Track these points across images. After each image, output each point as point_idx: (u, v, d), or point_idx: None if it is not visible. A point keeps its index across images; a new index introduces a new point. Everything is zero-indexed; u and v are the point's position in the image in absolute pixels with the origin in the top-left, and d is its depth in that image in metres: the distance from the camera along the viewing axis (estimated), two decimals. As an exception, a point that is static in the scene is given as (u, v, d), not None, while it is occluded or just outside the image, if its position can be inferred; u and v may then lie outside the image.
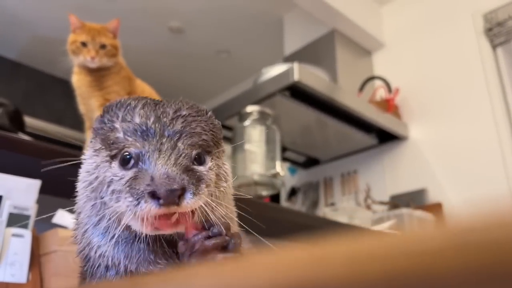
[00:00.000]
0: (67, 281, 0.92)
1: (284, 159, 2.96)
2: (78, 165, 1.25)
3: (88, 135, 1.44)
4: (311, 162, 3.14)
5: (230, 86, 4.06)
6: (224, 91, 4.13)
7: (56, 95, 3.57)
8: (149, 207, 0.38)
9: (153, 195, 0.38)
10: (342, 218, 2.12)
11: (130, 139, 0.43)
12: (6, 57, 3.57)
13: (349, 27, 2.94)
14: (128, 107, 0.46)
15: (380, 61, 3.10)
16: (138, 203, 0.39)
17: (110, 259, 0.44)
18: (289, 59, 3.10)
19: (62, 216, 1.10)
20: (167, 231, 0.41)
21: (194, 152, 0.44)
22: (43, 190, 1.10)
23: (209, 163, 0.45)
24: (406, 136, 2.78)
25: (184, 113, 0.45)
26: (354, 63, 3.01)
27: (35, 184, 1.06)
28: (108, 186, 0.43)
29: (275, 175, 1.90)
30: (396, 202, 2.47)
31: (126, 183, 0.41)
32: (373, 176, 2.84)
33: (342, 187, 2.95)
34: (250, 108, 2.05)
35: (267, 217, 1.69)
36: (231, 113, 2.36)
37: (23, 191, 1.03)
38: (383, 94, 2.88)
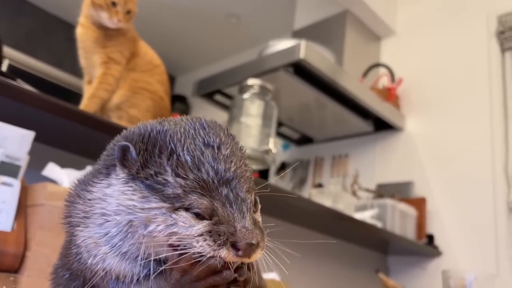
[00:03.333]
0: (52, 234, 0.94)
1: (278, 134, 2.97)
2: (73, 119, 1.25)
3: (86, 89, 1.44)
4: (304, 140, 3.16)
5: (235, 53, 4.02)
6: (228, 57, 4.09)
7: (59, 38, 3.53)
8: (229, 255, 0.41)
9: (234, 245, 0.41)
10: (326, 201, 2.16)
11: (193, 197, 0.43)
12: (12, -8, 3.50)
13: (362, 10, 2.90)
14: (172, 152, 0.44)
15: (388, 49, 3.08)
16: (220, 249, 0.41)
17: (109, 270, 0.45)
18: (297, 34, 3.06)
19: (52, 170, 1.12)
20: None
21: (252, 199, 0.47)
22: (36, 138, 1.11)
23: (259, 205, 0.50)
24: (401, 127, 2.79)
25: (227, 151, 0.45)
26: (362, 47, 2.99)
27: (29, 135, 1.06)
28: (167, 228, 0.43)
29: (267, 152, 1.92)
30: (382, 191, 2.51)
31: (203, 229, 0.42)
32: (364, 162, 2.86)
33: (332, 169, 2.98)
34: (251, 81, 2.05)
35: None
36: (232, 82, 2.35)
37: (16, 141, 1.04)
38: (386, 83, 2.87)
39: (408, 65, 2.90)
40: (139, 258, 0.43)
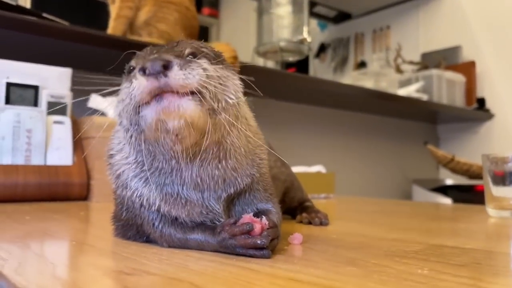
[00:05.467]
0: (108, 163, 1.02)
1: (314, 14, 2.85)
2: (104, 45, 1.27)
3: (112, 10, 1.43)
4: (342, 17, 3.02)
5: None
6: None
7: None
8: (139, 82, 0.38)
9: (143, 71, 0.38)
10: (368, 82, 2.13)
11: (134, 62, 0.43)
12: None
13: None
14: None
15: None
16: (131, 84, 0.39)
17: (145, 199, 0.45)
18: None
19: (96, 100, 1.17)
20: (172, 112, 0.38)
21: (188, 50, 0.43)
22: (77, 68, 1.16)
23: (209, 62, 0.43)
24: (445, -12, 2.59)
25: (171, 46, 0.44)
26: None
27: (67, 72, 1.11)
28: (124, 102, 0.41)
29: (302, 41, 1.87)
30: (427, 61, 2.42)
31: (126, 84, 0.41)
32: (406, 32, 2.73)
33: (373, 44, 2.87)
34: (277, -33, 1.93)
35: (293, 86, 1.73)
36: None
37: (56, 79, 1.08)
38: None
39: None
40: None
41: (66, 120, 1.08)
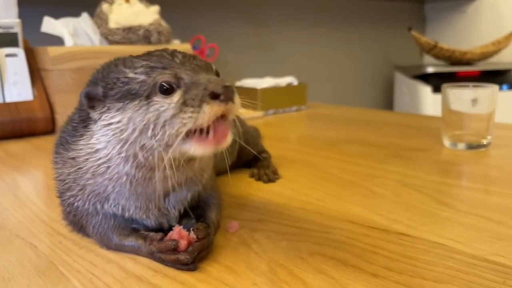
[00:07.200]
0: (71, 96, 0.99)
1: None
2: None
3: None
4: None
5: None
6: None
7: None
8: (212, 107, 0.38)
9: (213, 96, 0.38)
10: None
11: (154, 74, 0.41)
12: None
13: None
14: (127, 60, 0.43)
15: None
16: (201, 108, 0.38)
17: (120, 208, 0.46)
18: None
19: (50, 24, 1.10)
20: (223, 142, 0.41)
21: (214, 71, 0.44)
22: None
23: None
24: None
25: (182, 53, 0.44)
26: None
27: (11, -3, 1.02)
28: (155, 124, 0.40)
29: None
30: None
31: (178, 102, 0.40)
32: None
33: None
34: None
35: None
36: None
37: (2, 7, 1.00)
38: None
39: None
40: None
41: (19, 51, 1.02)
